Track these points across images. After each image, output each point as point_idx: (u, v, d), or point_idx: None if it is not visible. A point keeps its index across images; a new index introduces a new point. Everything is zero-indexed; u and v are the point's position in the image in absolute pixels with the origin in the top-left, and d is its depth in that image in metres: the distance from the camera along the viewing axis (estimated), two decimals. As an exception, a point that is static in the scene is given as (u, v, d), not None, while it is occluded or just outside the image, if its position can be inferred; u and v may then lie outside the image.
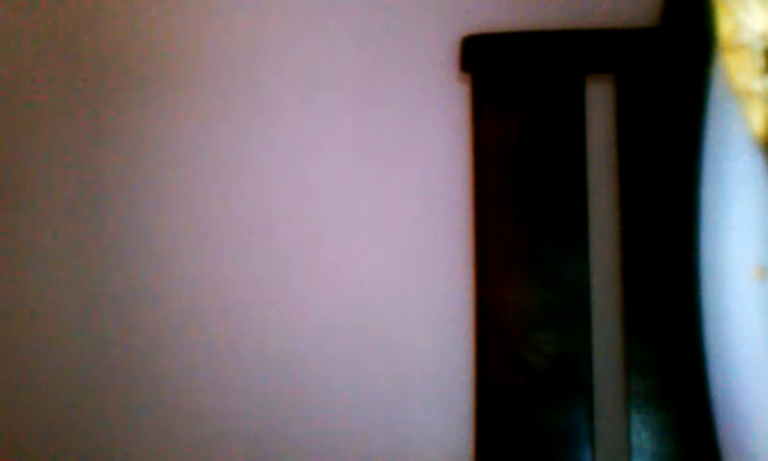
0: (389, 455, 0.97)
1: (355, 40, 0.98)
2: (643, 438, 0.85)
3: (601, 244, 0.90)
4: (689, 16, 0.78)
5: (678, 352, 0.84)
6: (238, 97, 0.99)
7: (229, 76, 0.99)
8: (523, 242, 0.87)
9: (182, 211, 1.00)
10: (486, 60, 0.89)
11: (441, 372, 0.97)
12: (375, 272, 0.98)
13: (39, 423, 1.01)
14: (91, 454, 1.00)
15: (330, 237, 0.99)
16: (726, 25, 0.63)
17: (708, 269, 0.71)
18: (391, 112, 0.98)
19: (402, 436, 0.97)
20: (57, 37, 1.01)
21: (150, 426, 1.00)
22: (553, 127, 0.87)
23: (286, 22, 0.99)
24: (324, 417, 0.98)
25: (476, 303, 0.88)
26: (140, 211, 1.00)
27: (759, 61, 0.62)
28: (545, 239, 0.87)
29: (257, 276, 0.99)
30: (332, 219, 0.99)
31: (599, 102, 0.90)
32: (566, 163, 0.87)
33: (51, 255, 1.01)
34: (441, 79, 0.97)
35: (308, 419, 0.98)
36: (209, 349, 0.99)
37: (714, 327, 0.70)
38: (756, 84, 0.63)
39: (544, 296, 0.86)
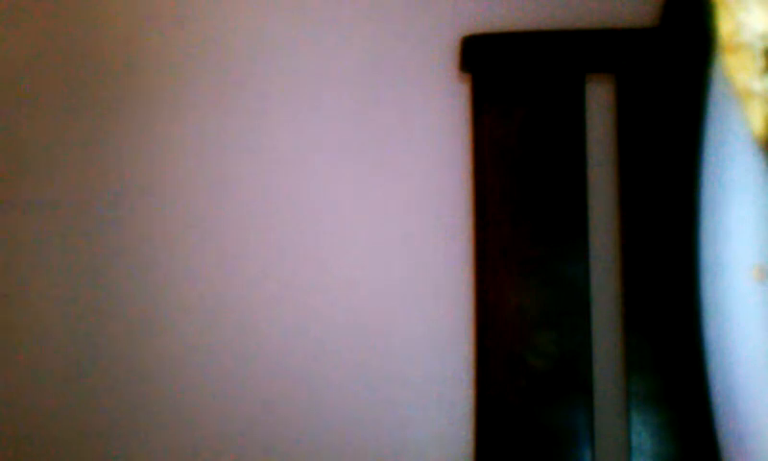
0: (389, 455, 0.97)
1: (355, 41, 0.98)
2: (643, 438, 0.85)
3: (601, 244, 0.90)
4: (689, 16, 0.78)
5: (678, 352, 0.84)
6: (239, 98, 0.99)
7: (230, 77, 0.99)
8: (523, 242, 0.87)
9: (183, 212, 1.00)
10: (486, 60, 0.89)
11: (441, 372, 0.97)
12: (375, 272, 0.98)
13: (40, 423, 1.01)
14: (92, 456, 1.00)
15: (330, 237, 0.98)
16: (726, 25, 0.63)
17: (707, 269, 0.71)
18: (390, 112, 0.98)
19: (402, 436, 0.97)
20: (57, 37, 1.01)
21: (151, 427, 1.00)
22: (553, 127, 0.87)
23: (286, 23, 0.99)
24: (324, 417, 0.98)
25: (476, 303, 0.88)
26: (140, 211, 1.00)
27: (759, 61, 0.62)
28: (545, 239, 0.87)
29: (257, 276, 0.99)
30: (332, 219, 0.99)
31: (599, 102, 0.90)
32: (566, 163, 0.87)
33: (51, 256, 1.01)
34: (441, 79, 0.97)
35: (308, 419, 0.98)
36: (209, 349, 0.99)
37: (714, 327, 0.70)
38: (756, 85, 0.62)
39: (544, 296, 0.86)
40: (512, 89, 0.88)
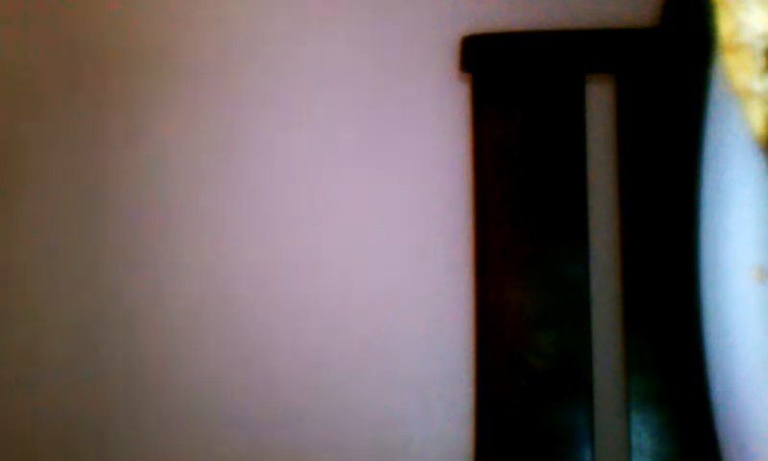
0: (389, 455, 0.97)
1: (355, 41, 0.98)
2: (643, 438, 0.84)
3: (601, 244, 0.90)
4: (689, 16, 0.78)
5: (678, 352, 0.84)
6: (239, 99, 0.99)
7: (230, 77, 0.99)
8: (523, 242, 0.87)
9: (183, 212, 1.00)
10: (486, 60, 0.89)
11: (441, 372, 0.97)
12: (375, 272, 0.98)
13: (38, 420, 1.01)
14: (91, 454, 1.00)
15: (331, 237, 0.98)
16: (726, 25, 0.63)
17: (707, 269, 0.71)
18: (391, 112, 0.98)
19: (402, 436, 0.97)
20: (57, 37, 1.01)
21: (150, 425, 1.00)
22: (553, 127, 0.87)
23: (287, 23, 0.99)
24: (324, 416, 0.98)
25: (476, 303, 0.88)
26: (140, 212, 1.00)
27: (759, 61, 0.62)
28: (545, 239, 0.87)
29: (258, 276, 0.99)
30: (332, 219, 0.99)
31: (599, 102, 0.90)
32: (566, 163, 0.87)
33: (50, 256, 1.01)
34: (441, 79, 0.97)
35: (308, 419, 0.98)
36: (209, 348, 0.99)
37: (714, 327, 0.70)
38: (756, 84, 0.62)
39: (544, 296, 0.86)
40: (512, 89, 0.88)
